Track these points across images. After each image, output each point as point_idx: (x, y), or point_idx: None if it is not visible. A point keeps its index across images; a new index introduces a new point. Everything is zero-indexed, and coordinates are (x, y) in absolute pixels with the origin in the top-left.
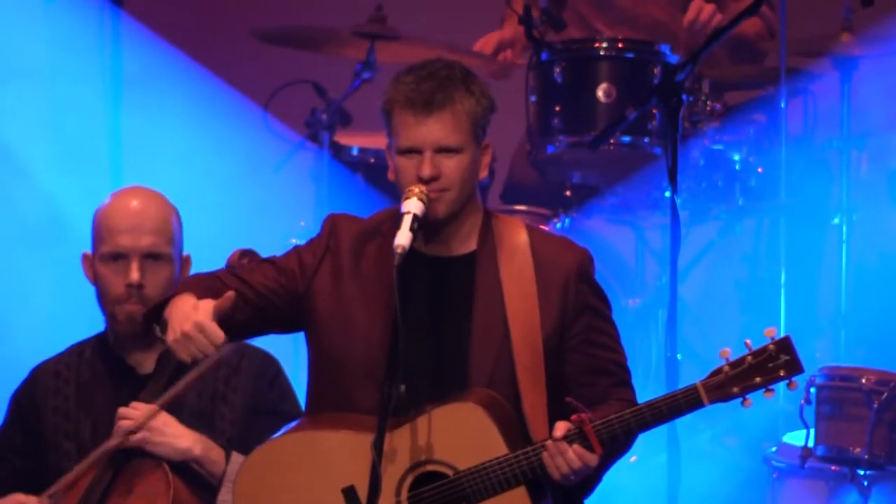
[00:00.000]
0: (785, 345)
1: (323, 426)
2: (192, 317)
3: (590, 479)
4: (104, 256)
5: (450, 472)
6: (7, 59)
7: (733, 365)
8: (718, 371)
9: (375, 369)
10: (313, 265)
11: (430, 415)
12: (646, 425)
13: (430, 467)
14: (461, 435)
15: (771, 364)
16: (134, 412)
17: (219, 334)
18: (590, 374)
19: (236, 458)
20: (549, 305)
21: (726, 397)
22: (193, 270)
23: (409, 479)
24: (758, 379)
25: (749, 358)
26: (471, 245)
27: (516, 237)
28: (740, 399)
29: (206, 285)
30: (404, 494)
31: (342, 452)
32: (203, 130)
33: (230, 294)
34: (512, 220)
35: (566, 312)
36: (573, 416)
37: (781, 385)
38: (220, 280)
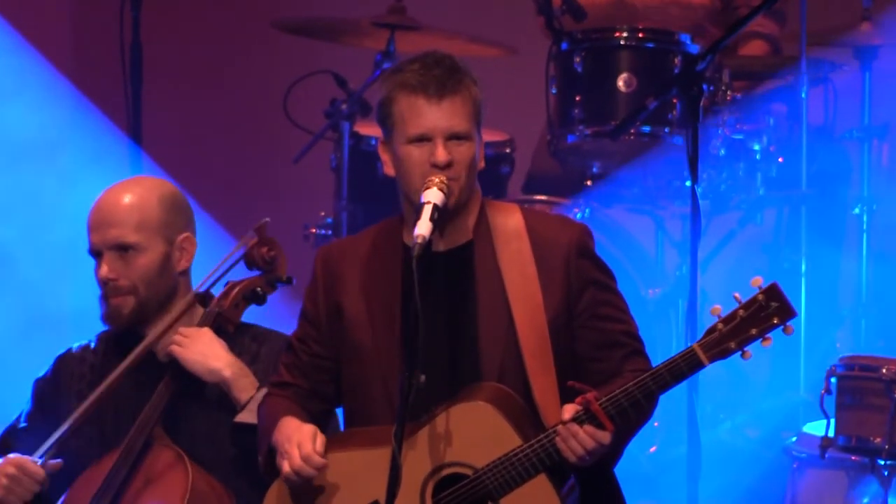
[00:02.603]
0: (773, 291)
1: (337, 447)
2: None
3: (610, 455)
4: (91, 256)
5: (469, 472)
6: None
7: (726, 321)
8: (712, 329)
9: (391, 392)
10: (317, 314)
11: (441, 418)
12: (651, 394)
13: (449, 470)
14: (474, 434)
15: (763, 313)
16: (187, 332)
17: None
18: (602, 349)
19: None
20: (551, 285)
21: (724, 353)
22: (210, 259)
23: (431, 485)
24: (753, 330)
25: (740, 311)
26: (468, 235)
27: (511, 221)
28: (739, 353)
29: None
30: (429, 501)
31: (361, 470)
32: (223, 122)
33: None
34: (506, 204)
35: (570, 290)
36: (578, 398)
37: (801, 377)
38: (294, 401)
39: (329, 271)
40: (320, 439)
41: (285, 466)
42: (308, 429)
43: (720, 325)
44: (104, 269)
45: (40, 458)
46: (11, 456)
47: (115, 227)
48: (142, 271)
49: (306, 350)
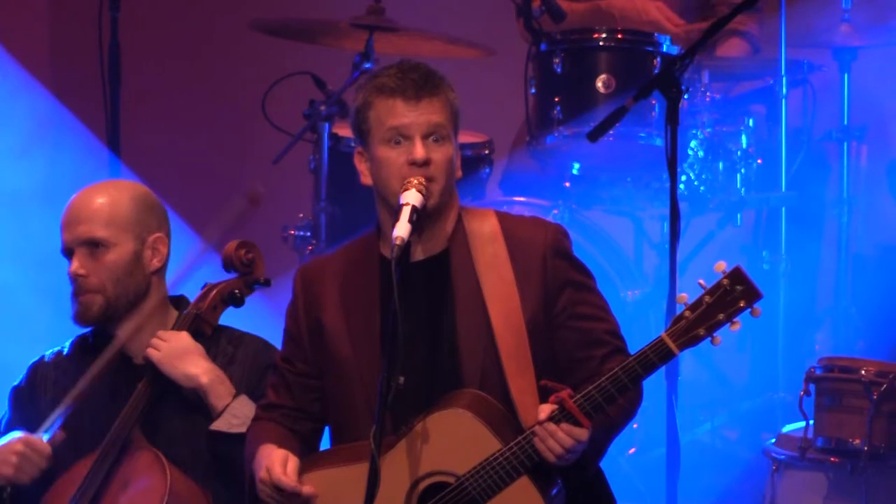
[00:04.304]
0: (738, 275)
1: (319, 466)
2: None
3: (592, 453)
4: (64, 256)
5: (452, 480)
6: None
7: (693, 308)
8: (680, 318)
9: (374, 405)
10: (300, 332)
11: (419, 429)
12: (625, 388)
13: (431, 479)
14: (453, 441)
15: (729, 298)
16: (165, 336)
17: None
18: (582, 348)
19: (244, 398)
20: (528, 287)
21: (693, 341)
22: (187, 259)
23: (416, 497)
24: (721, 315)
25: (706, 297)
26: (444, 243)
27: (486, 225)
28: (709, 339)
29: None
30: None
31: (345, 487)
32: (201, 123)
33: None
34: (481, 210)
35: (547, 291)
36: (552, 397)
37: (780, 378)
38: (286, 427)
39: (308, 289)
40: (291, 463)
41: (262, 494)
42: (279, 454)
43: (687, 313)
44: (74, 265)
45: (43, 435)
46: (18, 434)
47: (85, 224)
48: (110, 268)
49: (292, 370)
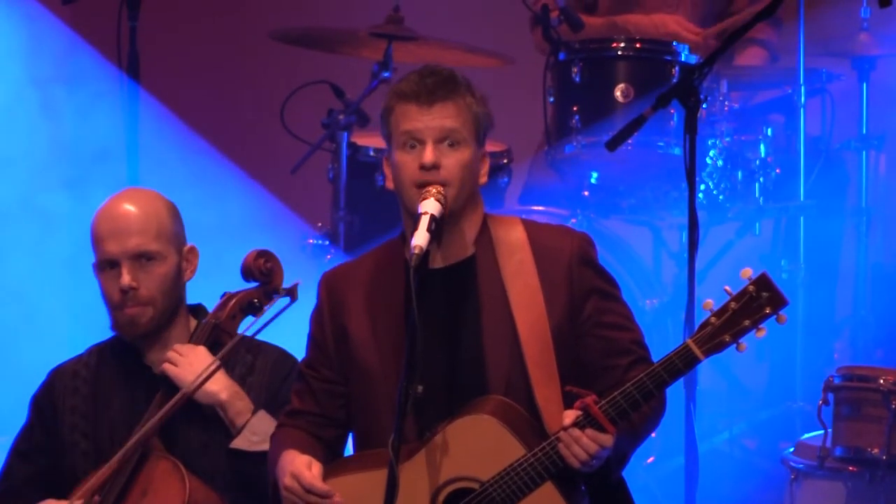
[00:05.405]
0: (764, 281)
1: (342, 472)
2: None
3: (616, 460)
4: (99, 266)
5: (476, 486)
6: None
7: (718, 314)
8: (706, 324)
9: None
10: (325, 339)
11: (443, 435)
12: (650, 394)
13: (455, 486)
14: (478, 447)
15: (755, 304)
16: (182, 350)
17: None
18: (607, 357)
19: (263, 414)
20: (555, 294)
21: (719, 347)
22: (208, 273)
23: (440, 502)
24: (746, 322)
25: (732, 304)
26: (468, 251)
27: (513, 233)
28: (734, 345)
29: (300, 442)
30: None
31: (367, 492)
32: (221, 132)
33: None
34: (508, 218)
35: (573, 299)
36: (577, 402)
37: (799, 387)
38: (310, 433)
39: (333, 296)
40: (315, 469)
41: (286, 501)
42: (302, 460)
43: (713, 319)
44: (126, 278)
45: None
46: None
47: (136, 236)
48: (160, 281)
49: (317, 376)
